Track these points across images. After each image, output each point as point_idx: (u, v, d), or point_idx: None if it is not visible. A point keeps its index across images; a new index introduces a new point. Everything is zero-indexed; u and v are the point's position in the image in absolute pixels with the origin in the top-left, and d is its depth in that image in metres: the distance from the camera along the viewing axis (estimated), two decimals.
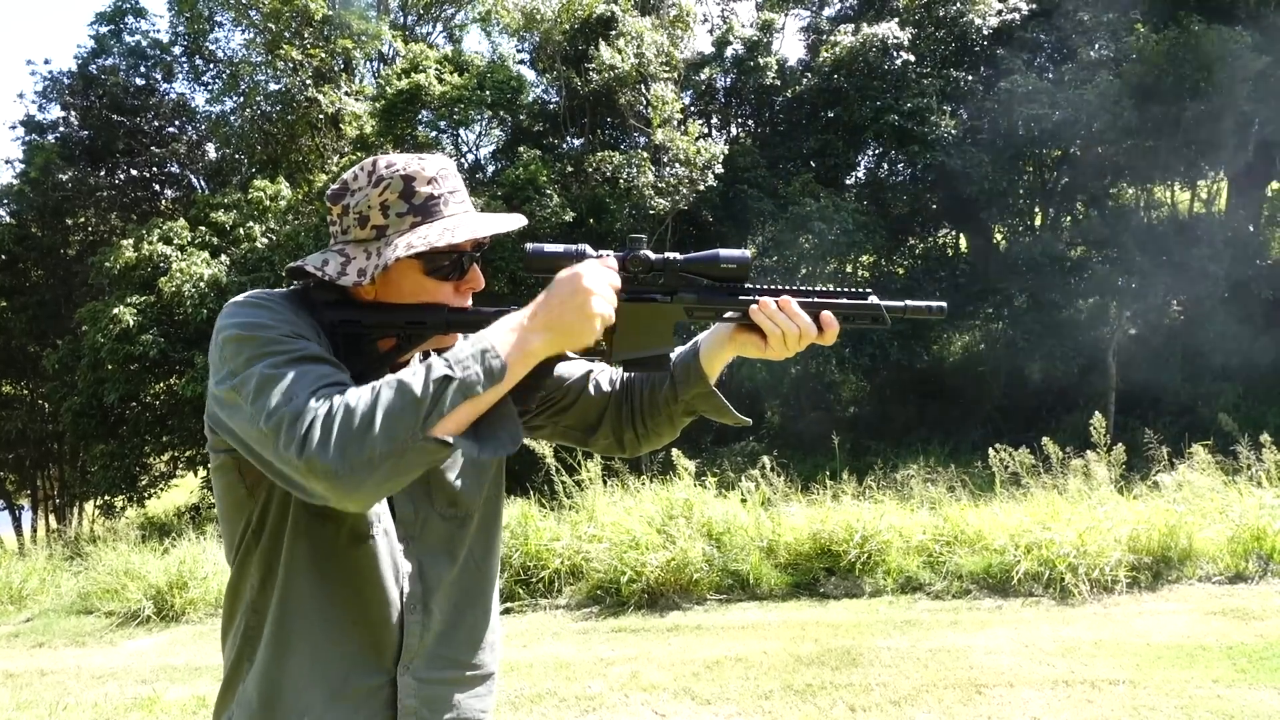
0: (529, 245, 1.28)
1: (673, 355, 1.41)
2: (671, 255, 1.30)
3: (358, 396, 1.06)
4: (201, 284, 12.70)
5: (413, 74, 14.75)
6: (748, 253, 1.32)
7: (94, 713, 4.31)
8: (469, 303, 1.34)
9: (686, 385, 1.41)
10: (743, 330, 1.35)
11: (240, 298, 1.21)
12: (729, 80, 18.79)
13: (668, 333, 1.32)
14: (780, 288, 1.33)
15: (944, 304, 1.37)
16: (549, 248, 1.27)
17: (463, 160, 17.15)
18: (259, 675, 1.24)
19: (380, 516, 1.27)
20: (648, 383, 1.47)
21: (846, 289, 1.36)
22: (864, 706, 3.84)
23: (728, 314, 1.34)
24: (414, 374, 1.08)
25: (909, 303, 1.36)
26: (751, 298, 1.32)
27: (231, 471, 1.22)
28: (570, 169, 14.90)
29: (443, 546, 1.33)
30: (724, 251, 1.31)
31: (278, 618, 1.23)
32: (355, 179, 1.27)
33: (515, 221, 1.30)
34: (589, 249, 1.28)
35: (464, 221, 1.26)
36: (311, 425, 1.03)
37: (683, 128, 14.99)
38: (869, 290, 1.35)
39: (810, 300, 1.33)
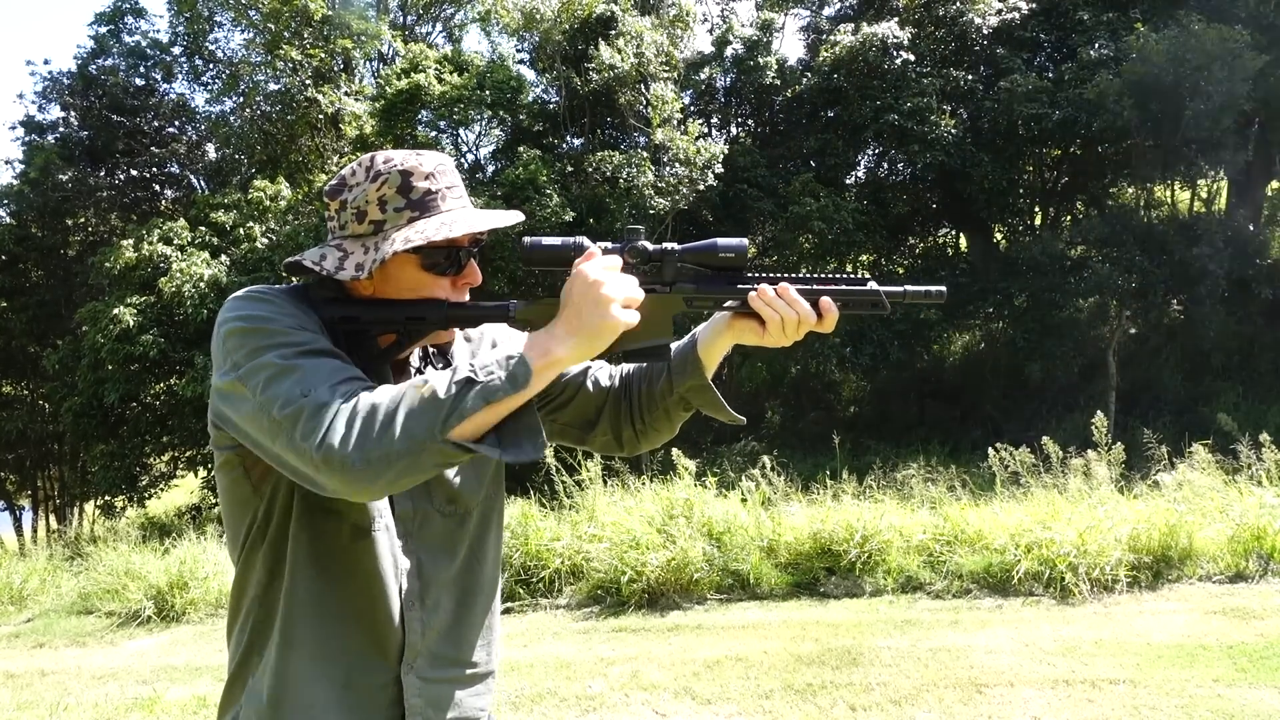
0: (526, 239, 1.28)
1: (672, 347, 1.41)
2: (669, 245, 1.30)
3: (380, 394, 1.06)
4: (201, 284, 12.68)
5: (412, 74, 14.74)
6: (744, 241, 1.31)
7: (94, 713, 4.31)
8: (466, 298, 1.34)
9: (683, 376, 1.41)
10: (740, 317, 1.35)
11: (241, 293, 1.21)
12: (729, 80, 18.77)
13: (667, 323, 1.32)
14: (778, 275, 1.33)
15: (943, 288, 1.36)
16: (546, 240, 1.27)
17: (463, 160, 17.13)
18: (269, 670, 1.24)
19: (381, 513, 1.27)
20: (645, 377, 1.46)
21: (845, 275, 1.35)
22: (864, 706, 3.84)
23: (727, 302, 1.33)
24: (438, 376, 1.09)
25: (908, 288, 1.35)
26: (750, 285, 1.31)
27: (236, 468, 1.23)
28: (570, 169, 14.89)
29: (441, 543, 1.33)
30: (722, 240, 1.30)
31: (285, 612, 1.23)
32: (353, 174, 1.27)
33: (512, 217, 1.30)
34: (586, 240, 1.28)
35: (461, 217, 1.26)
36: (335, 419, 1.04)
37: (683, 127, 14.98)
38: (868, 276, 1.35)
39: (809, 287, 1.33)
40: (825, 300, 1.32)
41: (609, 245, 1.29)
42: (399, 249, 1.19)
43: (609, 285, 1.17)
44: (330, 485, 1.06)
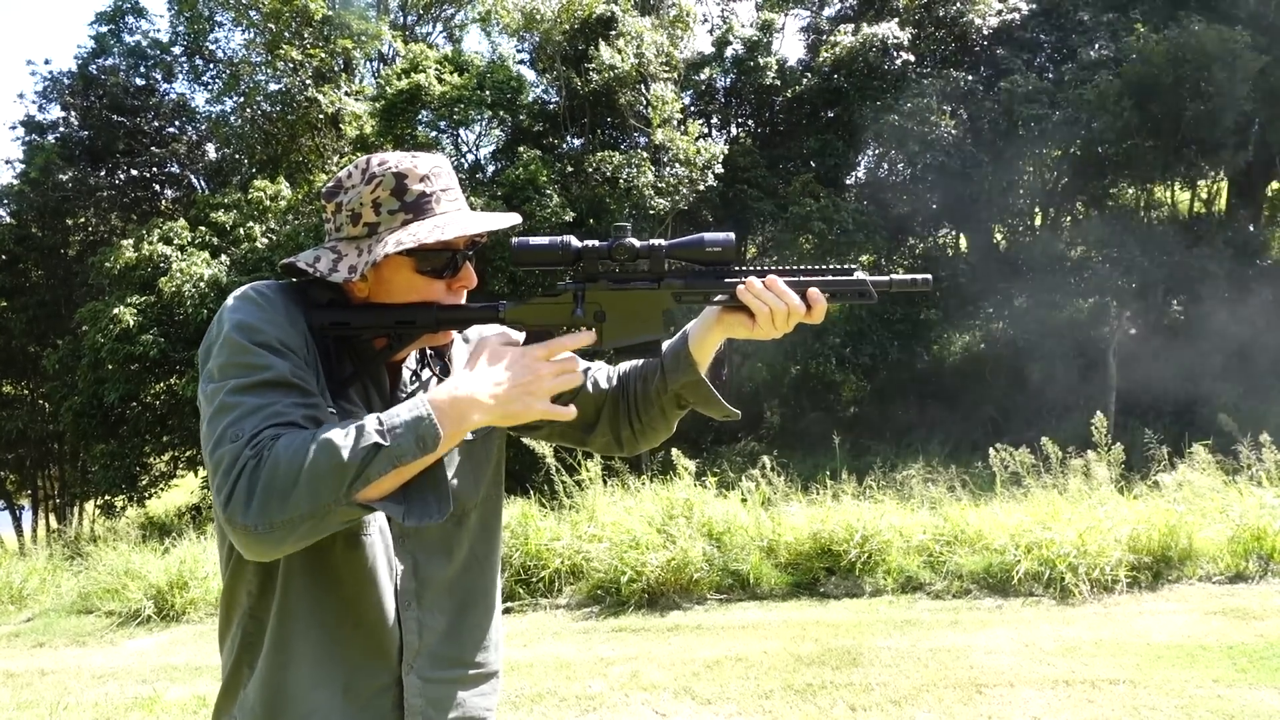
0: (514, 240, 1.29)
1: (663, 345, 1.41)
2: (656, 241, 1.30)
3: (288, 452, 1.05)
4: (201, 284, 12.70)
5: (413, 74, 14.75)
6: (731, 235, 1.32)
7: (94, 712, 4.31)
8: (462, 300, 1.34)
9: (676, 373, 1.41)
10: (730, 311, 1.35)
11: (246, 290, 1.21)
12: (729, 80, 18.79)
13: (657, 319, 1.32)
14: (766, 268, 1.33)
15: (929, 276, 1.37)
16: (534, 241, 1.27)
17: (463, 160, 17.14)
18: (261, 682, 1.24)
19: (376, 516, 1.27)
20: (641, 376, 1.47)
21: (832, 266, 1.35)
22: (864, 706, 3.84)
23: (716, 296, 1.33)
24: (345, 436, 1.06)
25: (894, 276, 1.36)
26: (738, 279, 1.31)
27: None
28: (570, 169, 14.89)
29: (439, 545, 1.33)
30: (709, 235, 1.30)
31: (278, 623, 1.23)
32: (349, 176, 1.27)
33: (507, 220, 1.30)
34: (574, 240, 1.28)
35: (455, 219, 1.26)
36: (240, 478, 1.04)
37: (683, 128, 14.99)
38: (855, 266, 1.35)
39: (797, 278, 1.33)
40: (813, 291, 1.32)
41: (597, 244, 1.30)
42: (390, 251, 1.19)
43: (548, 381, 1.18)
44: (233, 541, 1.08)
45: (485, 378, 1.17)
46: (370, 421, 1.09)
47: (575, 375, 1.22)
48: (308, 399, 1.15)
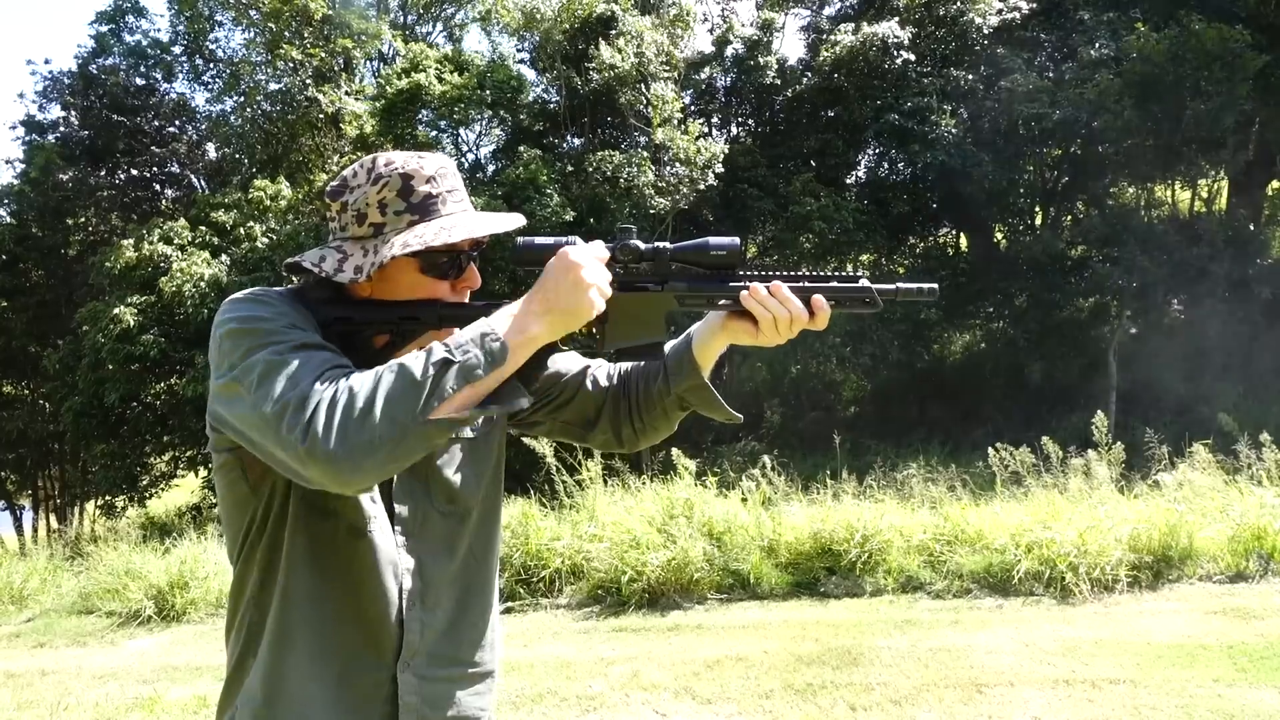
0: (519, 239, 1.28)
1: (667, 347, 1.40)
2: (661, 244, 1.30)
3: (360, 381, 1.07)
4: (202, 284, 12.69)
5: (413, 73, 14.74)
6: (737, 239, 1.31)
7: (95, 713, 4.32)
8: (466, 299, 1.34)
9: (679, 377, 1.40)
10: (734, 317, 1.34)
11: (238, 294, 1.21)
12: (729, 80, 18.78)
13: (659, 322, 1.32)
14: (771, 273, 1.32)
15: (934, 285, 1.36)
16: (539, 241, 1.27)
17: (463, 160, 17.14)
18: (262, 671, 1.24)
19: (377, 513, 1.27)
20: (643, 376, 1.46)
21: (837, 273, 1.35)
22: (864, 706, 3.84)
23: (720, 301, 1.33)
24: (415, 358, 1.08)
25: (900, 285, 1.35)
26: (742, 284, 1.31)
27: (234, 470, 1.23)
28: (570, 168, 14.89)
29: (442, 543, 1.33)
30: (713, 239, 1.30)
31: (279, 613, 1.24)
32: (354, 176, 1.27)
33: (513, 221, 1.30)
34: (579, 240, 1.28)
35: (461, 221, 1.26)
36: (316, 410, 1.04)
37: (683, 127, 14.97)
38: (860, 274, 1.34)
39: (801, 285, 1.32)
40: (817, 298, 1.32)
41: (602, 244, 1.29)
42: (397, 253, 1.20)
43: (588, 269, 1.18)
44: (315, 476, 1.05)
45: (534, 295, 1.18)
46: (437, 345, 1.10)
47: (606, 272, 1.23)
48: (344, 358, 1.16)
